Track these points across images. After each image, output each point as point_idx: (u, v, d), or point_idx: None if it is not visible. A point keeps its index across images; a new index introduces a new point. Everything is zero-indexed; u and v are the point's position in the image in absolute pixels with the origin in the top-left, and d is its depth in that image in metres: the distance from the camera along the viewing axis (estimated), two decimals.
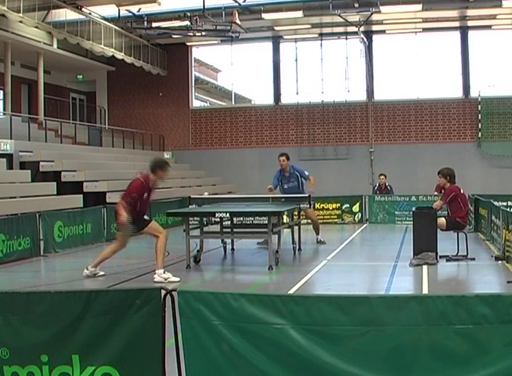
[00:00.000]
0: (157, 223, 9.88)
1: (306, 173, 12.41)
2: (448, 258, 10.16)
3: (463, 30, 22.95)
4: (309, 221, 13.74)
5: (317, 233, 13.05)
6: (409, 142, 23.36)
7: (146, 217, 9.28)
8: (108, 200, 16.58)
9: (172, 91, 25.45)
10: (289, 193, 12.10)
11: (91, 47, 20.47)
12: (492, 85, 22.59)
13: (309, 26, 22.51)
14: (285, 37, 24.27)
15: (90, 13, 20.24)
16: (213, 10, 19.95)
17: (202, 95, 27.20)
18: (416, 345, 3.14)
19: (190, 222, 10.41)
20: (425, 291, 7.84)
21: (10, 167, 16.10)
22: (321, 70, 24.10)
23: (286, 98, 24.67)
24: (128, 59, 22.40)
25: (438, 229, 10.04)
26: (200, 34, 19.85)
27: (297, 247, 11.68)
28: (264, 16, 20.66)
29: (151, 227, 9.04)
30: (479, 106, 22.63)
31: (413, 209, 11.03)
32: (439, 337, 3.11)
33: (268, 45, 24.74)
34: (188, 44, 24.76)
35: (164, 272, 8.79)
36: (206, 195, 15.21)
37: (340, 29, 23.04)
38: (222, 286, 8.74)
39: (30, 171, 15.87)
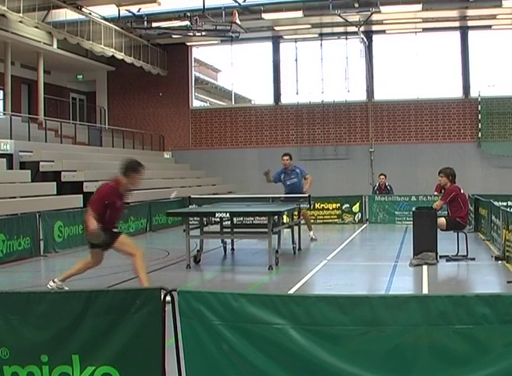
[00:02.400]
0: (129, 238, 8.25)
1: (306, 172, 13.37)
2: (448, 258, 10.16)
3: (463, 30, 22.95)
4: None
5: (310, 229, 13.77)
6: (409, 142, 23.35)
7: (115, 229, 7.97)
8: None
9: (172, 91, 25.45)
10: (292, 189, 12.94)
11: (91, 47, 20.46)
12: (492, 85, 22.60)
13: (309, 26, 22.51)
14: (285, 37, 24.27)
15: (90, 13, 20.23)
16: (213, 10, 19.94)
17: (202, 95, 27.19)
18: (416, 345, 3.14)
19: (190, 222, 10.41)
20: (425, 291, 7.84)
21: (10, 167, 16.09)
22: (321, 70, 24.10)
23: (286, 98, 24.67)
24: (128, 59, 22.39)
25: (438, 229, 10.04)
26: (200, 34, 19.84)
27: (297, 247, 11.69)
28: (264, 16, 20.66)
29: (123, 243, 7.75)
30: (479, 106, 22.63)
31: (413, 209, 11.05)
32: (439, 337, 3.11)
33: (268, 45, 24.73)
34: (188, 44, 24.76)
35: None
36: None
37: (340, 29, 23.04)
38: (222, 286, 8.73)
39: (30, 171, 15.84)
